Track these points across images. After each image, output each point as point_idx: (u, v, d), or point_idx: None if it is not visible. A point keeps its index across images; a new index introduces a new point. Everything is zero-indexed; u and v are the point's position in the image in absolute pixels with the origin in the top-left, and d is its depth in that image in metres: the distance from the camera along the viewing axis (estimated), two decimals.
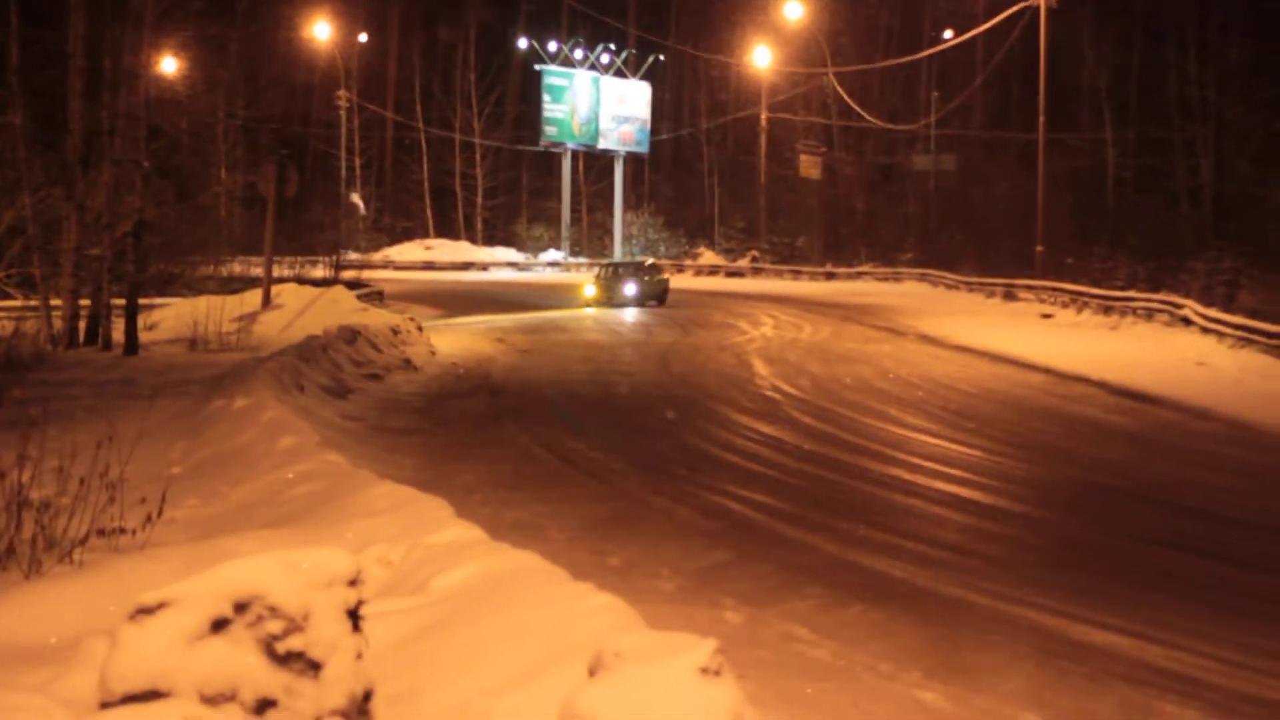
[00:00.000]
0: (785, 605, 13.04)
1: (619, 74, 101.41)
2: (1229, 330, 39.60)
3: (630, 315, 56.20)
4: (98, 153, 38.08)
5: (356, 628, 6.64)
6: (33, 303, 38.98)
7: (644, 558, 14.84)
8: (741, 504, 18.13)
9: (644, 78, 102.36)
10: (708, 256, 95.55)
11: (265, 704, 6.40)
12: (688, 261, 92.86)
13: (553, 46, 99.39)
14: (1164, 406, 29.73)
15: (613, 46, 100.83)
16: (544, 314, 55.80)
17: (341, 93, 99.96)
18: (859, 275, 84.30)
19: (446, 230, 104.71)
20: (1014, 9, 64.92)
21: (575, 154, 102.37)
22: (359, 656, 6.59)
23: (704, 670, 5.80)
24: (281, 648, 6.45)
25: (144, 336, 37.73)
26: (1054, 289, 56.70)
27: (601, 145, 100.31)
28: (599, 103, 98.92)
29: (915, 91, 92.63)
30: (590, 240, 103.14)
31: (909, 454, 22.76)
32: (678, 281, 67.75)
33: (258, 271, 49.12)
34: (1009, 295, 61.46)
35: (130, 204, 38.35)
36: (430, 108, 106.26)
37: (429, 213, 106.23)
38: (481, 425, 26.18)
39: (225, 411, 21.64)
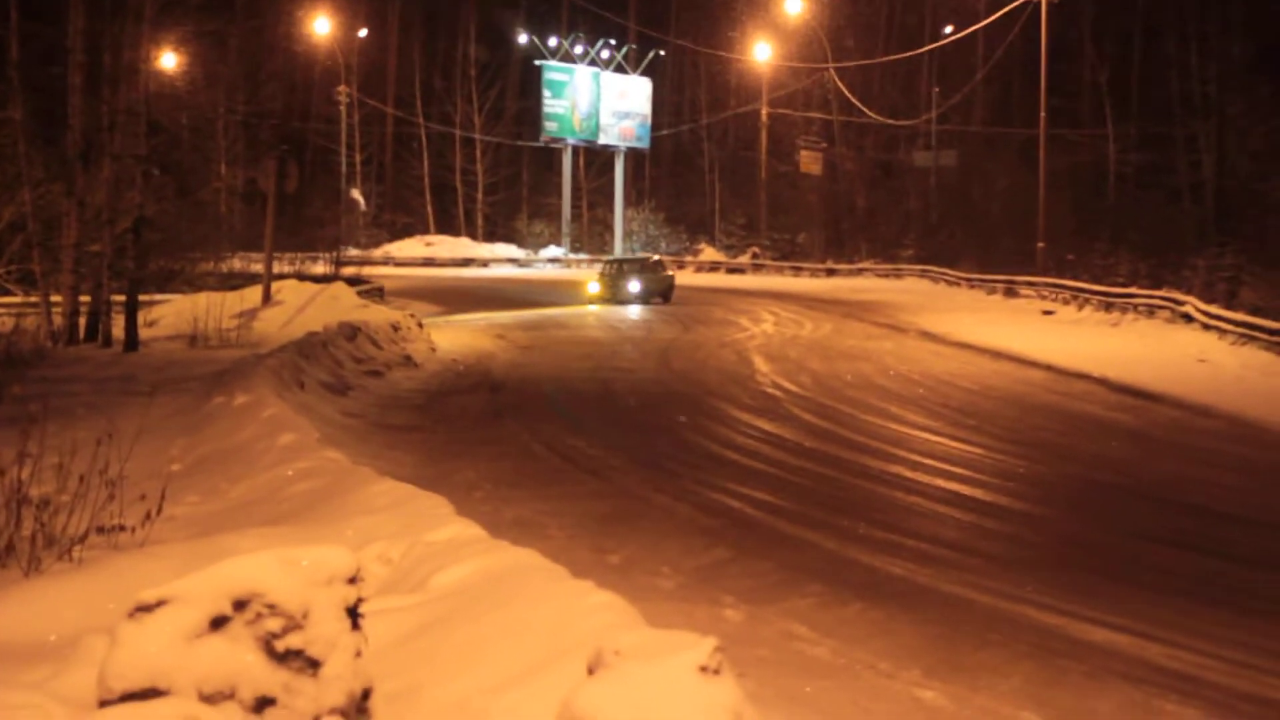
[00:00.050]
0: (785, 603, 13.04)
1: (619, 69, 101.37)
2: (1230, 327, 39.58)
3: (632, 312, 56.11)
4: (98, 148, 38.05)
5: (356, 625, 6.64)
6: (33, 299, 38.97)
7: (644, 555, 14.83)
8: (742, 501, 18.12)
9: (645, 73, 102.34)
10: (708, 253, 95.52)
11: (264, 702, 6.40)
12: (688, 258, 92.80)
13: (553, 42, 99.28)
14: (1165, 403, 29.72)
15: (613, 42, 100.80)
16: (545, 311, 55.67)
17: (341, 88, 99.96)
18: (860, 272, 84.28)
19: (447, 226, 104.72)
20: (1015, 4, 64.97)
21: (576, 150, 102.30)
22: (358, 654, 6.59)
23: (703, 668, 5.79)
24: (281, 645, 6.45)
25: (144, 333, 37.72)
26: (1055, 285, 56.70)
27: (602, 141, 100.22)
28: (599, 98, 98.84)
29: (916, 87, 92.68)
30: (591, 236, 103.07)
31: (910, 451, 22.75)
32: (678, 278, 67.43)
33: (258, 268, 49.09)
34: (1010, 292, 61.46)
35: (130, 200, 38.33)
36: (431, 103, 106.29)
37: (429, 209, 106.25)
38: (482, 422, 26.17)
39: (225, 408, 21.64)
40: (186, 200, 46.83)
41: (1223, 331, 39.89)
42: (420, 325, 40.12)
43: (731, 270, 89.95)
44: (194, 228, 51.48)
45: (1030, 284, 59.69)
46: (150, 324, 39.74)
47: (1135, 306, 48.29)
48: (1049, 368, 35.79)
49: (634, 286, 61.60)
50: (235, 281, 48.90)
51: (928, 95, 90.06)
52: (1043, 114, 62.73)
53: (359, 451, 19.00)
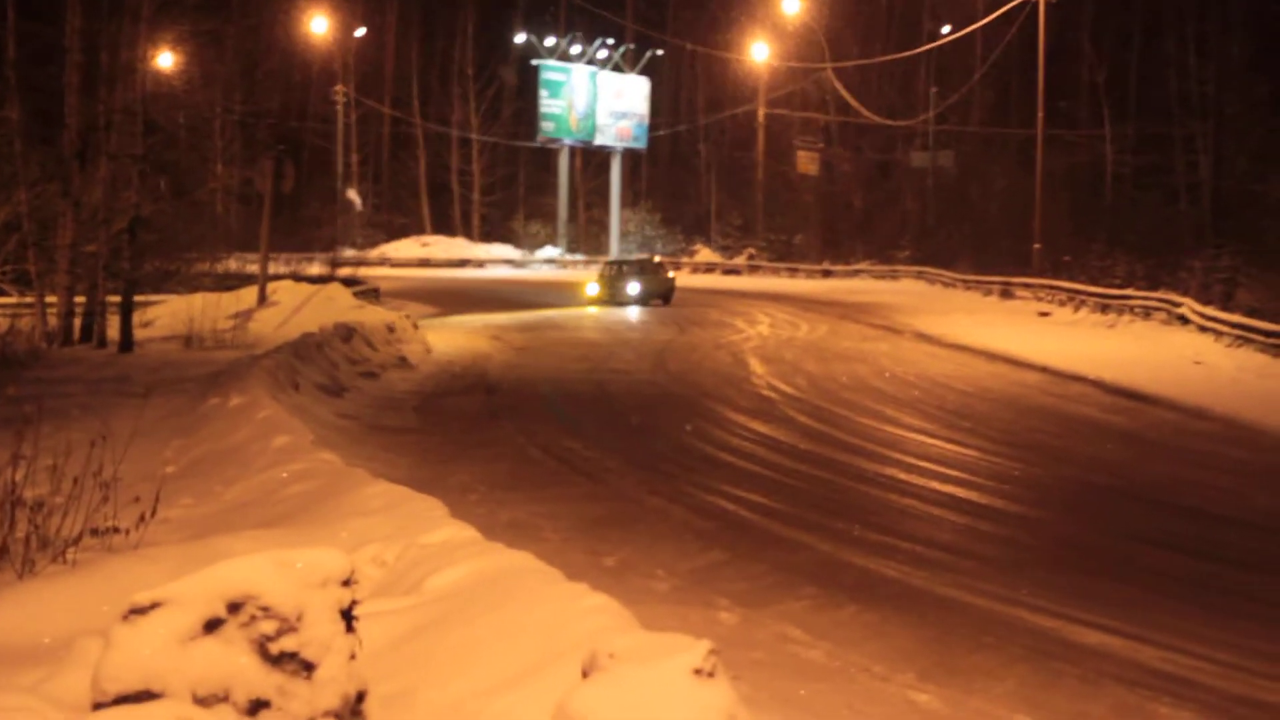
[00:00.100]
0: (780, 606, 13.05)
1: (616, 69, 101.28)
2: (1226, 329, 39.61)
3: (628, 314, 55.97)
4: (94, 148, 38.00)
5: (350, 628, 6.63)
6: (28, 300, 38.89)
7: (639, 558, 14.84)
8: (737, 504, 18.13)
9: (642, 73, 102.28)
10: (704, 254, 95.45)
11: (258, 705, 6.39)
12: (684, 259, 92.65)
13: (550, 41, 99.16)
14: (1161, 406, 29.74)
15: (611, 41, 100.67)
16: (541, 312, 55.53)
17: (338, 88, 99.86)
18: (856, 273, 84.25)
19: (443, 227, 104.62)
20: (1013, 4, 65.00)
21: (572, 150, 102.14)
22: (353, 657, 6.58)
23: (698, 671, 5.79)
24: (275, 648, 6.44)
25: (139, 334, 37.70)
26: (1051, 287, 56.73)
27: (599, 141, 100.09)
28: (596, 98, 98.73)
29: (913, 88, 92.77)
30: (587, 237, 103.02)
31: (905, 454, 22.77)
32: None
33: (253, 268, 49.03)
34: (1006, 293, 61.47)
35: (126, 200, 38.27)
36: (427, 103, 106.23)
37: (425, 209, 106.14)
38: (477, 424, 26.18)
39: (220, 410, 21.64)
40: (183, 200, 46.67)
41: (1219, 333, 39.92)
42: (416, 326, 40.07)
43: (727, 271, 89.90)
44: (190, 228, 51.34)
45: (1026, 285, 59.72)
46: (145, 325, 39.72)
47: (1131, 308, 48.32)
48: (1045, 370, 35.81)
49: (634, 288, 61.02)
50: (231, 282, 48.85)
51: (925, 96, 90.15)
52: (1040, 114, 62.78)
53: (354, 453, 18.99)
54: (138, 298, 38.74)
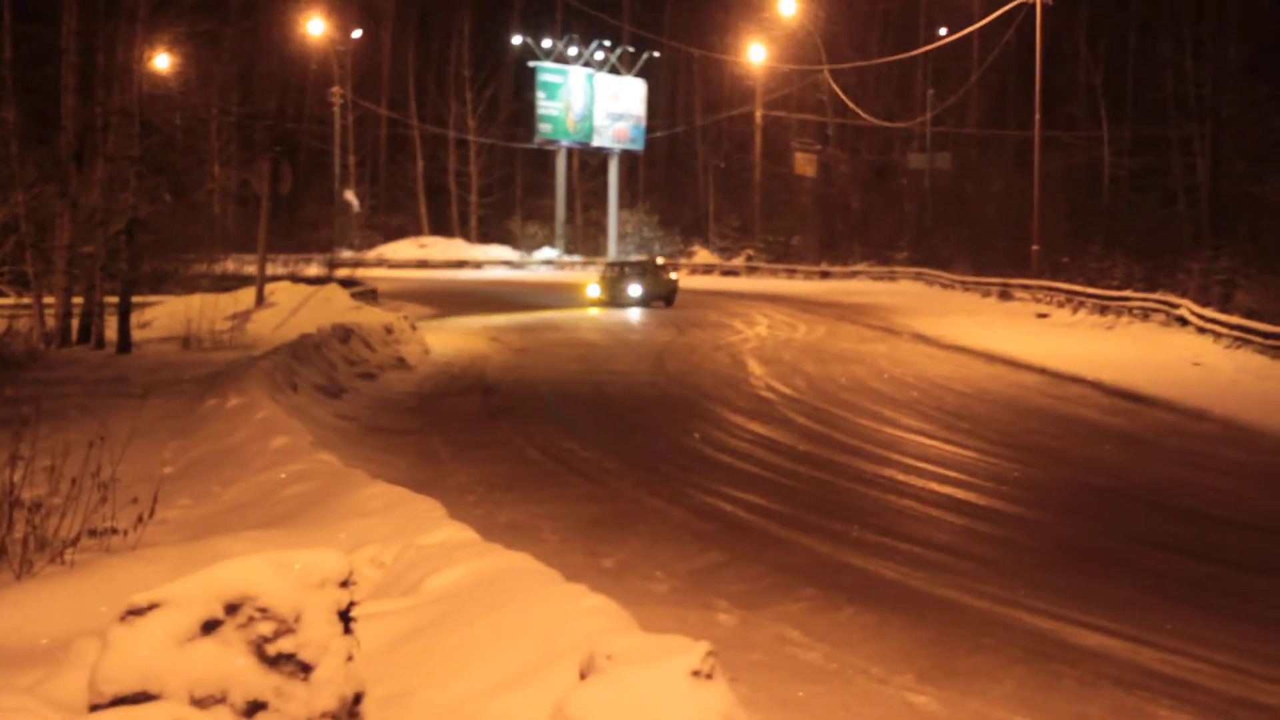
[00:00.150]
0: (778, 607, 13.04)
1: (613, 71, 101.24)
2: (1225, 330, 39.60)
3: (626, 315, 55.80)
4: (91, 149, 37.99)
5: (348, 629, 6.62)
6: (25, 301, 38.88)
7: (637, 559, 14.83)
8: (735, 505, 18.12)
9: (639, 75, 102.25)
10: (702, 255, 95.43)
11: (255, 706, 6.38)
12: (682, 260, 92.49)
13: (547, 43, 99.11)
14: (1159, 407, 29.74)
15: (608, 43, 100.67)
16: (540, 314, 55.41)
17: (335, 89, 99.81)
18: (854, 274, 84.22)
19: (441, 228, 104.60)
20: (1010, 5, 64.96)
21: (570, 151, 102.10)
22: (350, 658, 6.57)
23: (696, 673, 5.78)
24: (272, 649, 6.43)
25: (137, 335, 37.69)
26: (1049, 288, 56.74)
27: (596, 143, 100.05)
28: (593, 100, 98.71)
29: (911, 89, 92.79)
30: (585, 238, 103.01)
31: (903, 455, 22.76)
32: None
33: (251, 269, 49.02)
34: (1004, 295, 61.47)
35: (123, 201, 38.25)
36: (425, 104, 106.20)
37: (423, 210, 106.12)
38: (475, 425, 26.17)
39: (218, 411, 21.64)
40: (180, 202, 46.68)
41: (1217, 335, 39.91)
42: (414, 328, 40.07)
43: (725, 273, 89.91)
44: (187, 229, 51.39)
45: (1025, 287, 59.72)
46: (143, 326, 39.71)
47: (1130, 309, 48.31)
48: (1043, 371, 35.81)
49: (635, 290, 60.40)
50: (229, 283, 48.84)
51: (922, 97, 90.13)
52: (1037, 116, 62.77)
53: (352, 454, 18.98)
54: (135, 299, 38.73)
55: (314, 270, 61.50)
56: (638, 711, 5.66)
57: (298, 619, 6.47)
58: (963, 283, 69.13)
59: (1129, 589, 14.37)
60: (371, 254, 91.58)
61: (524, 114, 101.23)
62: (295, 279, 52.02)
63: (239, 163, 67.08)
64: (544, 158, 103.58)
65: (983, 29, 74.03)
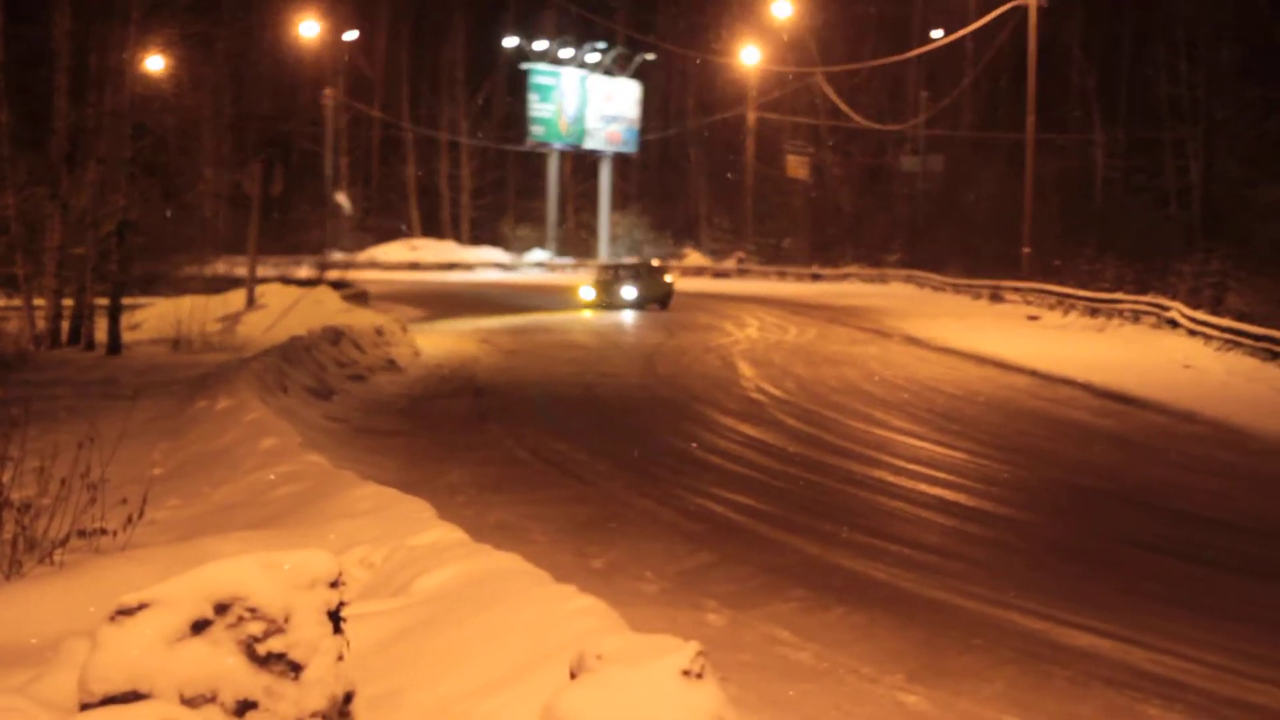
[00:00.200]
0: (768, 608, 13.05)
1: (607, 73, 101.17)
2: (1216, 333, 39.63)
3: (619, 317, 55.55)
4: (83, 151, 37.98)
5: (338, 629, 6.62)
6: (15, 302, 38.87)
7: (627, 560, 14.84)
8: (725, 506, 18.13)
9: (632, 77, 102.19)
10: (694, 257, 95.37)
11: (245, 705, 6.38)
12: (674, 262, 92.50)
13: (540, 45, 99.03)
14: (1150, 409, 29.76)
15: (601, 45, 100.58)
16: (532, 316, 55.22)
17: (328, 91, 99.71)
18: (845, 276, 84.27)
19: (432, 230, 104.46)
20: (1003, 9, 65.06)
21: (562, 154, 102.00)
22: (340, 658, 6.57)
23: (686, 673, 5.78)
24: (262, 649, 6.43)
25: (127, 336, 37.69)
26: (1041, 291, 56.80)
27: (588, 145, 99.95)
28: (586, 102, 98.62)
29: (903, 92, 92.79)
30: (577, 241, 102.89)
31: (894, 456, 22.77)
32: None
33: (242, 271, 49.02)
34: (995, 297, 61.54)
35: (115, 203, 38.24)
36: (417, 106, 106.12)
37: (415, 212, 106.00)
38: (465, 427, 26.18)
39: (208, 412, 21.64)
40: (171, 203, 46.64)
41: (1208, 337, 39.95)
42: (404, 330, 40.06)
43: (717, 275, 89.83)
44: (178, 231, 51.33)
45: (1016, 289, 59.79)
46: (133, 327, 39.69)
47: (1121, 312, 48.38)
48: (1034, 373, 35.81)
49: (630, 293, 59.60)
50: (219, 285, 48.82)
51: (915, 100, 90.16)
52: (1030, 118, 62.82)
53: (342, 455, 18.97)
54: (126, 301, 38.75)
55: (305, 272, 61.41)
56: (628, 711, 5.67)
57: (287, 619, 6.47)
58: (954, 285, 69.19)
59: (1119, 590, 14.38)
60: (363, 256, 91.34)
61: (517, 116, 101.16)
62: (286, 281, 51.96)
63: (231, 164, 66.89)
64: (536, 160, 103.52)
65: (976, 31, 74.06)
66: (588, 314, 57.46)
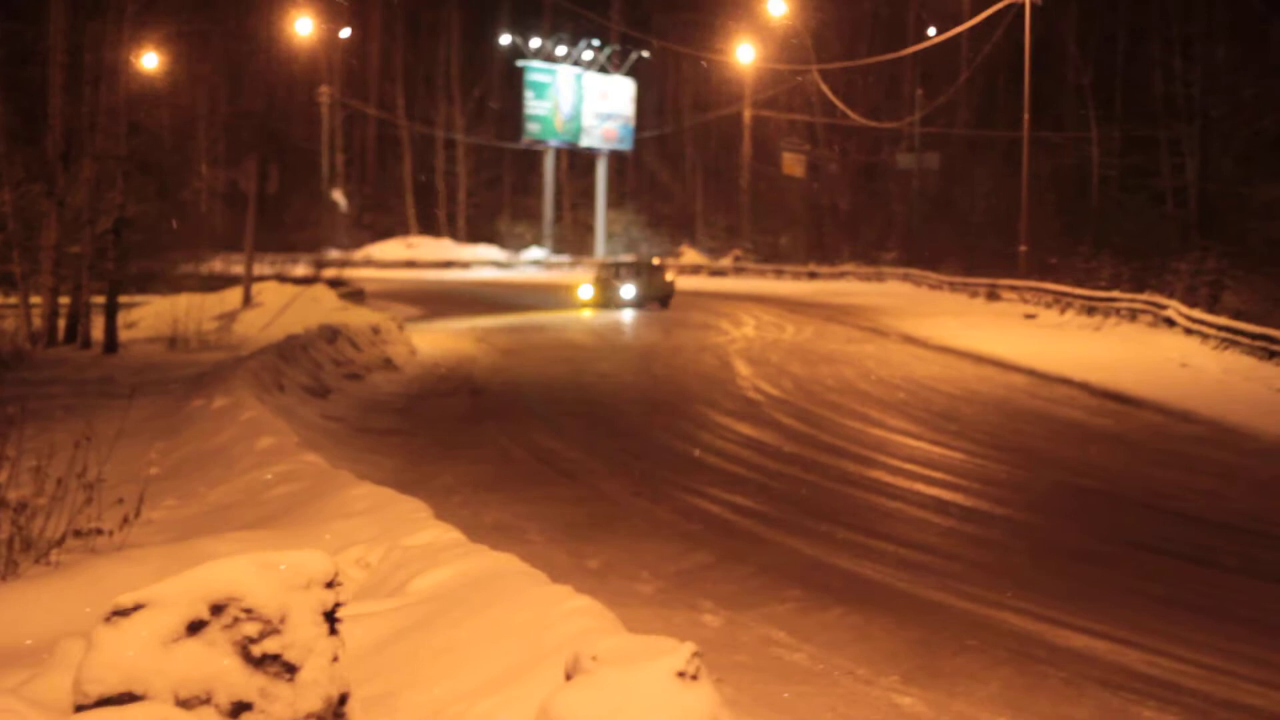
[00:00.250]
0: (764, 608, 13.04)
1: (602, 71, 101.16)
2: (1213, 331, 39.60)
3: (616, 317, 55.20)
4: (78, 148, 37.96)
5: (334, 630, 6.61)
6: (11, 300, 38.87)
7: (623, 560, 14.83)
8: (721, 506, 18.13)
9: (628, 75, 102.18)
10: (690, 255, 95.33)
11: (241, 707, 6.37)
12: (670, 260, 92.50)
13: (536, 42, 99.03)
14: (1147, 408, 29.75)
15: (596, 42, 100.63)
16: (529, 315, 55.04)
17: (323, 89, 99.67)
18: (842, 275, 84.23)
19: (428, 228, 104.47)
20: (998, 6, 64.94)
21: (558, 152, 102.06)
22: (335, 659, 6.56)
23: (681, 674, 5.78)
24: (258, 650, 6.43)
25: (123, 335, 37.67)
26: (1037, 289, 56.78)
27: (584, 143, 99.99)
28: (582, 99, 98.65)
29: (899, 90, 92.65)
30: (573, 238, 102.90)
31: (890, 456, 22.77)
32: None
33: (238, 269, 49.03)
34: (992, 295, 61.51)
35: (111, 200, 38.23)
36: (413, 104, 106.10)
37: (411, 210, 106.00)
38: (462, 426, 26.18)
39: (204, 411, 21.63)
40: (167, 201, 46.66)
41: (1205, 336, 39.92)
42: (401, 328, 40.05)
43: (713, 273, 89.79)
44: (175, 229, 51.34)
45: (1013, 288, 59.76)
46: (130, 326, 39.71)
47: (1118, 310, 48.36)
48: (1031, 372, 35.80)
49: (629, 291, 58.83)
50: (215, 283, 48.89)
51: (911, 98, 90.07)
52: (1026, 116, 62.73)
53: (338, 455, 18.97)
54: (122, 299, 38.71)
55: (301, 270, 61.48)
56: (623, 712, 5.66)
57: (283, 620, 6.46)
58: (950, 283, 69.18)
59: (1115, 590, 14.38)
60: (359, 254, 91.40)
61: (512, 114, 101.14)
62: (282, 279, 52.01)
63: (227, 162, 66.94)
64: (532, 158, 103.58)
65: (972, 29, 74.00)
66: (586, 313, 56.98)
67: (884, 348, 42.67)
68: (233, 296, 45.38)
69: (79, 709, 6.30)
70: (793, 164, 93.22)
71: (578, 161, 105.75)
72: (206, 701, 6.33)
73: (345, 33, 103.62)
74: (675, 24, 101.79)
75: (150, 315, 41.23)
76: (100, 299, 37.65)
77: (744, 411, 27.84)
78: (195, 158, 69.30)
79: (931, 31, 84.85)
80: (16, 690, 7.66)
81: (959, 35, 77.64)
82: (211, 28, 52.21)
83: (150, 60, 48.62)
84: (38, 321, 37.59)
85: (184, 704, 6.30)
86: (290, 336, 31.94)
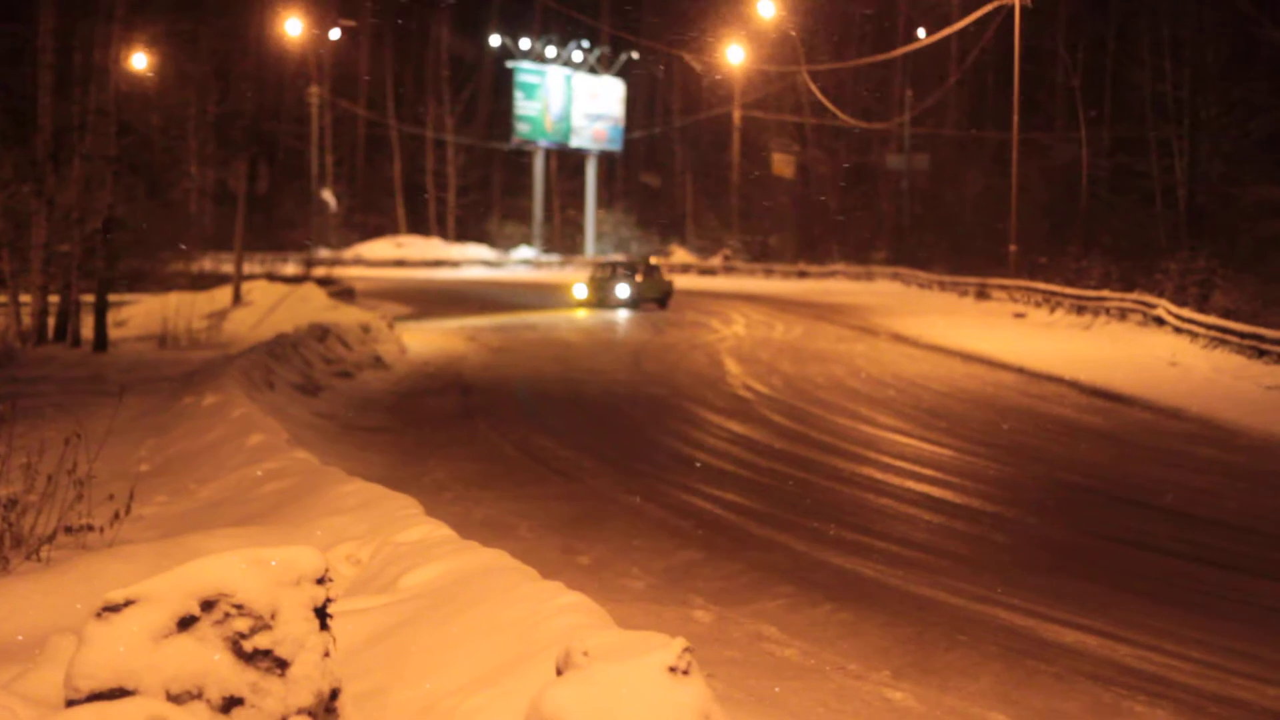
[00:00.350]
0: (755, 604, 13.05)
1: (592, 71, 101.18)
2: (1202, 330, 39.63)
3: (608, 316, 54.98)
4: (68, 148, 37.93)
5: (324, 626, 6.61)
6: (1, 299, 38.81)
7: (613, 556, 14.83)
8: (712, 503, 18.13)
9: (617, 76, 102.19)
10: (680, 255, 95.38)
11: (232, 702, 6.37)
12: (660, 259, 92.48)
13: (525, 43, 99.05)
14: (1136, 406, 29.80)
15: (586, 43, 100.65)
16: (520, 315, 54.93)
17: (313, 89, 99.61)
18: (831, 274, 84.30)
19: (418, 227, 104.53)
20: (988, 8, 64.94)
21: (548, 152, 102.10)
22: (326, 655, 6.56)
23: (672, 669, 5.78)
24: (249, 645, 6.42)
25: (113, 333, 37.65)
26: (1027, 288, 56.83)
27: (574, 143, 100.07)
28: (571, 100, 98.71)
29: (889, 90, 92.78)
30: (563, 238, 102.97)
31: (880, 453, 22.78)
32: None
33: (228, 268, 49.03)
34: (982, 294, 61.57)
35: (100, 200, 38.19)
36: (402, 104, 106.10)
37: (400, 210, 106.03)
38: (452, 423, 26.17)
39: (194, 409, 21.60)
40: (157, 200, 46.65)
41: (1194, 334, 39.96)
42: (391, 327, 40.04)
43: (703, 272, 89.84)
44: (164, 228, 51.32)
45: (1002, 287, 59.81)
46: (120, 324, 39.69)
47: (1107, 309, 48.41)
48: (1020, 370, 35.86)
49: (624, 291, 58.08)
50: (205, 282, 48.89)
51: (901, 98, 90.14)
52: (1015, 117, 62.78)
53: (328, 452, 18.97)
54: (112, 297, 38.69)
55: (291, 269, 61.51)
56: (614, 708, 5.66)
57: (274, 615, 6.46)
58: (940, 283, 69.25)
59: (1105, 586, 14.39)
60: (349, 253, 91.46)
61: (502, 114, 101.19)
62: (272, 278, 52.02)
63: (216, 162, 66.94)
64: (522, 158, 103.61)
65: (961, 30, 74.04)
66: (579, 313, 56.43)
67: (874, 346, 42.71)
68: (223, 295, 45.36)
69: (70, 704, 6.29)
70: (783, 165, 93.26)
71: (567, 162, 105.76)
72: (198, 697, 6.33)
73: (334, 33, 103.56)
74: (665, 26, 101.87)
75: (140, 314, 41.22)
76: (90, 297, 37.61)
77: (734, 409, 27.85)
78: (185, 157, 69.21)
79: (921, 33, 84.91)
80: (8, 686, 7.66)
81: (948, 36, 77.69)
82: (200, 28, 52.20)
83: (140, 60, 48.59)
84: (27, 320, 37.53)
85: (175, 699, 6.29)
86: (280, 335, 31.95)
